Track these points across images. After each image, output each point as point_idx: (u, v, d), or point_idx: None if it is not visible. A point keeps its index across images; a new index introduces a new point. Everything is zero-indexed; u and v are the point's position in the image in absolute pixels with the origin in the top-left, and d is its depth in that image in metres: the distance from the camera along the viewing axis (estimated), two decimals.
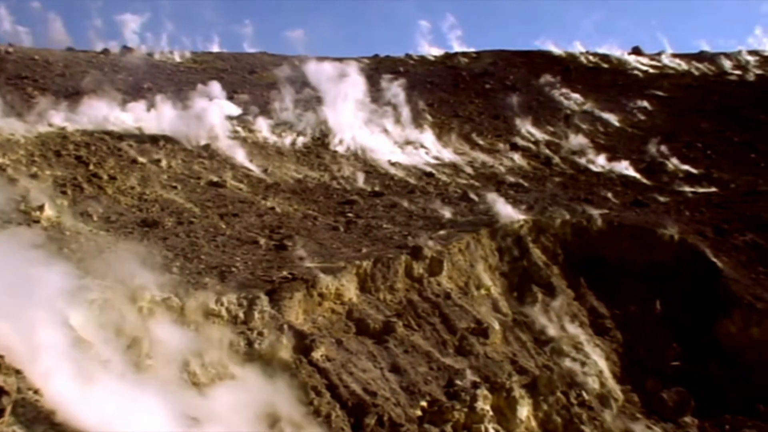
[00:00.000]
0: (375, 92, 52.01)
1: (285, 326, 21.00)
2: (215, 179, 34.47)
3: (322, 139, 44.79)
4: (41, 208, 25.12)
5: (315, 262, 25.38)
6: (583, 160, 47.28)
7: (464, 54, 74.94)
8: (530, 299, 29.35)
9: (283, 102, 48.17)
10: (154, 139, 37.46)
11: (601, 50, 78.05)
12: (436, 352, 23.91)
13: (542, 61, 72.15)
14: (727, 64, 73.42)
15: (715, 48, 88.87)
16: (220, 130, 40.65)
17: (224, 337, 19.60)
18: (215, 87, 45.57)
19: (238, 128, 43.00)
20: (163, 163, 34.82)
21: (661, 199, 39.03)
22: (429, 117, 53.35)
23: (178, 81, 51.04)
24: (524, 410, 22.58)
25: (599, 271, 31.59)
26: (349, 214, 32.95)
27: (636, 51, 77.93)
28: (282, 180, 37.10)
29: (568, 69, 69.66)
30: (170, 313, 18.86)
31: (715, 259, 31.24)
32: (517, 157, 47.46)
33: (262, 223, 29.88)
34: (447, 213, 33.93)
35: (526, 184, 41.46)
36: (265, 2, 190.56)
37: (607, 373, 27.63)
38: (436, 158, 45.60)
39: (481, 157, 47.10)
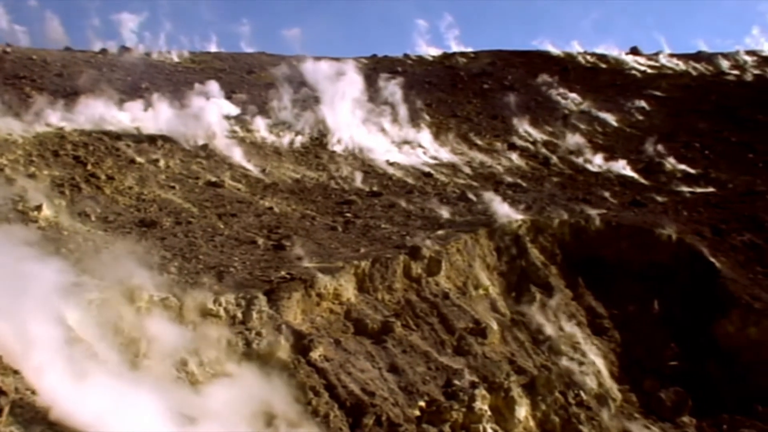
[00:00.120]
0: (373, 92, 52.02)
1: (283, 326, 20.99)
2: (213, 179, 34.45)
3: (320, 139, 44.80)
4: (39, 208, 25.11)
5: (313, 262, 25.37)
6: (581, 160, 47.30)
7: (462, 54, 75.01)
8: (528, 299, 29.36)
9: (281, 102, 48.17)
10: (152, 139, 37.46)
11: (599, 50, 78.25)
12: (435, 352, 23.91)
13: (540, 61, 72.20)
14: (725, 64, 73.44)
15: (712, 47, 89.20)
16: (218, 130, 40.66)
17: (222, 337, 19.58)
18: (213, 86, 45.55)
19: (236, 128, 43.00)
20: (161, 163, 34.81)
21: (659, 199, 39.06)
22: (427, 117, 53.38)
23: (176, 81, 51.03)
24: (522, 410, 22.57)
25: (597, 271, 31.61)
26: (348, 214, 32.94)
27: (634, 51, 78.00)
28: (280, 180, 37.08)
29: (566, 69, 69.70)
30: (168, 312, 18.84)
31: (713, 259, 31.26)
32: (515, 157, 47.48)
33: (261, 223, 29.87)
34: (445, 213, 33.93)
35: (524, 184, 41.47)
36: (263, 2, 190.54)
37: (605, 373, 27.65)
38: (435, 158, 45.61)
39: (480, 157, 47.11)
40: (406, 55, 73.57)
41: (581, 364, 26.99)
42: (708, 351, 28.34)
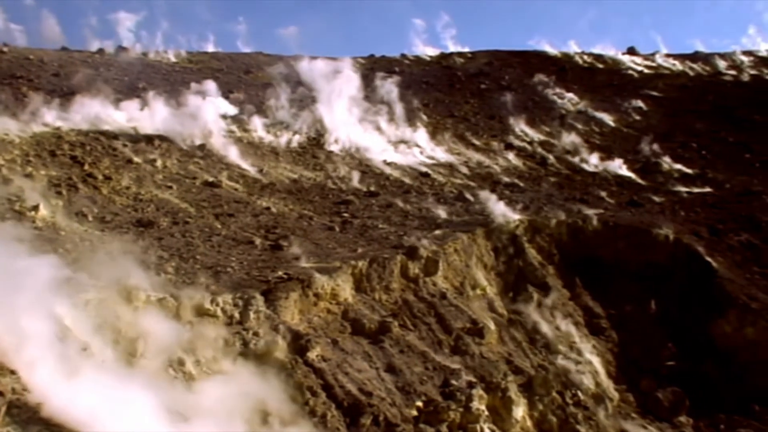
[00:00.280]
0: (370, 91, 52.07)
1: (280, 326, 20.97)
2: (210, 179, 34.45)
3: (317, 139, 44.82)
4: (36, 208, 25.09)
5: (310, 262, 25.37)
6: (578, 160, 47.36)
7: (460, 54, 75.05)
8: (526, 299, 29.35)
9: (278, 101, 48.18)
10: (149, 139, 37.45)
11: (596, 50, 78.21)
12: (432, 352, 23.90)
13: (538, 61, 72.26)
14: (722, 64, 73.54)
15: (709, 47, 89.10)
16: (215, 129, 40.63)
17: (219, 337, 19.57)
18: (210, 86, 45.51)
19: (234, 128, 42.99)
20: (158, 162, 34.80)
21: (656, 199, 39.09)
22: (424, 117, 53.40)
23: (173, 81, 50.99)
24: (520, 410, 22.56)
25: (594, 271, 31.62)
26: (345, 214, 32.94)
27: (631, 51, 78.06)
28: (277, 180, 37.08)
29: (563, 69, 69.74)
30: (165, 312, 18.82)
31: (710, 259, 31.28)
32: (512, 157, 47.53)
33: (258, 223, 29.86)
34: (442, 213, 33.93)
35: (521, 184, 41.51)
36: (260, 1, 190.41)
37: (602, 373, 27.65)
38: (432, 158, 45.62)
39: (477, 157, 47.14)
40: (403, 55, 73.62)
41: (578, 363, 26.97)
42: (705, 351, 28.35)
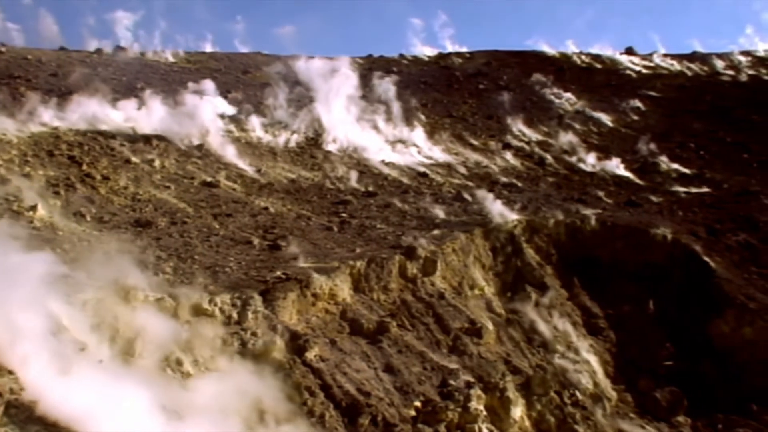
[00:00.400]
0: (368, 91, 52.07)
1: (279, 326, 20.96)
2: (208, 179, 34.44)
3: (315, 139, 44.81)
4: (34, 208, 25.07)
5: (309, 262, 25.36)
6: (576, 160, 47.37)
7: (458, 54, 75.09)
8: (524, 299, 29.35)
9: (276, 101, 48.15)
10: (147, 139, 37.42)
11: (594, 50, 78.37)
12: (430, 352, 23.91)
13: (536, 61, 72.29)
14: (720, 64, 73.62)
15: (706, 46, 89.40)
16: (213, 129, 40.60)
17: (217, 337, 19.56)
18: (208, 86, 45.47)
19: (232, 128, 42.97)
20: (156, 162, 34.78)
21: (654, 199, 39.14)
22: (422, 117, 53.40)
23: (171, 81, 50.94)
24: (518, 410, 22.55)
25: (593, 271, 31.65)
26: (343, 214, 32.94)
27: (629, 51, 78.10)
28: (275, 180, 37.07)
29: (561, 69, 69.79)
30: (163, 313, 18.80)
31: (707, 259, 31.32)
32: (510, 157, 47.53)
33: (256, 224, 29.86)
34: (441, 213, 33.94)
35: (519, 184, 41.53)
36: (258, 1, 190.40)
37: (600, 373, 27.67)
38: (430, 158, 45.64)
39: (475, 157, 47.15)
40: (401, 55, 73.66)
41: (576, 363, 27.01)
42: (703, 351, 28.38)
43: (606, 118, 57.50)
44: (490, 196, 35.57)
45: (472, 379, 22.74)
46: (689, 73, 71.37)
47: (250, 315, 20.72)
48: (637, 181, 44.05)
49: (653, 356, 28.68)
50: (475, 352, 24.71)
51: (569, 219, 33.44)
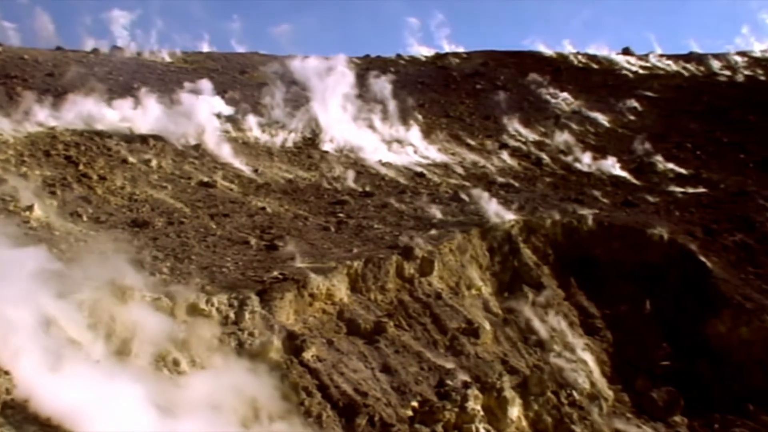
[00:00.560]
0: (365, 91, 52.04)
1: (276, 326, 20.97)
2: (205, 179, 34.41)
3: (312, 139, 44.78)
4: (30, 208, 25.02)
5: (306, 262, 25.35)
6: (573, 161, 47.39)
7: (455, 54, 75.11)
8: (521, 299, 29.38)
9: (273, 101, 48.10)
10: (144, 139, 37.36)
11: (591, 50, 78.62)
12: (427, 352, 23.92)
13: (533, 61, 72.33)
14: (716, 65, 73.73)
15: (702, 46, 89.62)
16: (210, 129, 40.55)
17: (214, 337, 19.56)
18: (206, 85, 45.38)
19: (229, 128, 42.92)
20: (153, 162, 34.73)
21: (651, 199, 39.16)
22: (420, 117, 53.38)
23: (168, 81, 50.85)
24: (515, 410, 22.58)
25: (589, 271, 31.68)
26: (340, 215, 32.93)
27: (626, 51, 78.20)
28: (272, 180, 37.04)
29: (558, 69, 69.86)
30: (160, 313, 18.79)
31: (704, 259, 31.36)
32: (507, 157, 47.53)
33: (253, 224, 29.83)
34: (438, 213, 33.93)
35: (516, 185, 41.54)
36: (254, 0, 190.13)
37: (597, 373, 27.70)
38: (427, 158, 45.61)
39: (472, 157, 47.15)
40: (398, 56, 73.66)
41: (573, 363, 27.03)
42: (700, 351, 28.41)
43: (603, 119, 57.55)
44: (487, 196, 35.54)
45: (469, 379, 22.77)
46: (686, 74, 71.50)
47: (247, 315, 20.72)
48: (634, 181, 44.09)
49: (650, 356, 28.72)
50: (472, 352, 24.73)
51: (566, 219, 33.45)
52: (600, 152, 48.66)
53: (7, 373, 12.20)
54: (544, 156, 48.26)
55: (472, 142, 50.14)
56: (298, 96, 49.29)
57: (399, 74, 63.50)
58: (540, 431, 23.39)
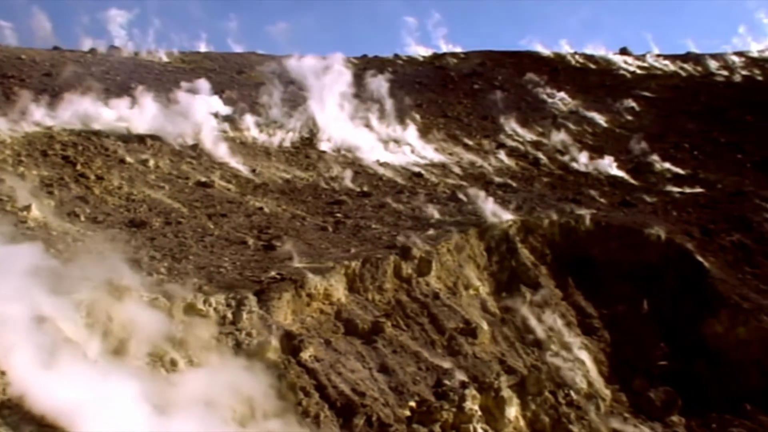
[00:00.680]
0: (363, 91, 52.05)
1: (273, 326, 20.97)
2: (203, 179, 34.38)
3: (310, 138, 44.77)
4: (28, 208, 25.00)
5: (303, 262, 25.34)
6: (571, 161, 47.42)
7: (453, 54, 75.18)
8: (518, 299, 29.39)
9: (270, 101, 48.09)
10: (142, 139, 37.33)
11: (588, 49, 78.78)
12: (425, 352, 23.93)
13: (530, 61, 72.39)
14: (714, 65, 73.85)
15: (699, 46, 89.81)
16: (208, 129, 40.52)
17: (211, 337, 19.55)
18: (203, 85, 45.36)
19: (227, 128, 42.89)
20: (151, 162, 34.70)
21: (649, 199, 39.18)
22: (417, 117, 53.39)
23: (166, 81, 50.81)
24: (512, 410, 22.60)
25: (587, 271, 31.69)
26: (338, 215, 32.92)
27: (624, 51, 78.27)
28: (270, 180, 37.03)
29: (556, 69, 69.94)
30: (157, 313, 18.77)
31: (701, 259, 31.37)
32: (505, 157, 47.55)
33: (251, 224, 29.82)
34: (435, 213, 33.93)
35: (514, 185, 41.55)
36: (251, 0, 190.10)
37: (594, 373, 27.71)
38: (425, 158, 45.63)
39: (470, 157, 47.17)
40: (396, 56, 73.69)
41: (571, 363, 27.05)
42: (697, 351, 28.42)
43: (600, 119, 57.62)
44: (485, 196, 35.56)
45: (466, 379, 22.78)
46: (683, 74, 71.59)
47: (244, 315, 20.72)
48: (632, 181, 44.14)
49: (647, 356, 28.72)
50: (469, 352, 24.73)
51: (564, 219, 33.46)
52: (597, 152, 48.70)
53: (3, 373, 12.18)
54: (541, 156, 48.29)
55: (470, 142, 50.16)
56: (296, 95, 49.29)
57: (397, 74, 63.54)
58: (537, 431, 23.42)
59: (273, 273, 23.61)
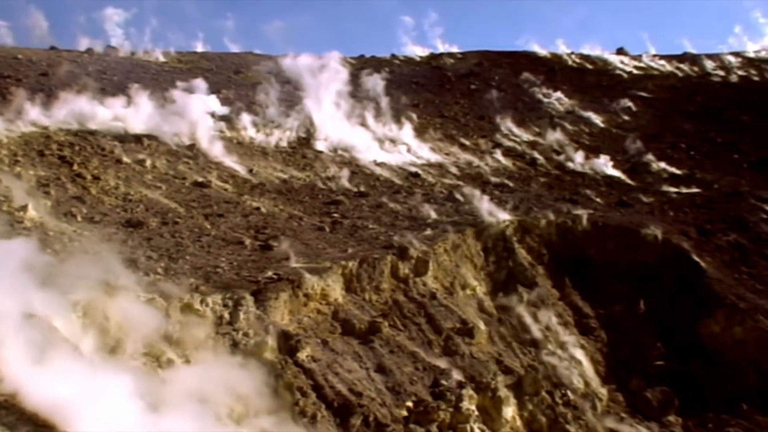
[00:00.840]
0: (360, 92, 52.05)
1: (270, 327, 20.94)
2: (200, 179, 34.34)
3: (307, 138, 44.75)
4: (24, 208, 24.95)
5: (300, 262, 25.33)
6: (567, 161, 47.46)
7: (450, 54, 75.25)
8: (515, 299, 29.40)
9: (267, 100, 48.05)
10: (138, 139, 37.29)
11: (584, 49, 78.87)
12: (422, 352, 23.92)
13: (527, 61, 72.44)
14: (710, 65, 73.99)
15: (695, 46, 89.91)
16: (205, 128, 40.47)
17: (208, 337, 19.53)
18: (200, 85, 45.30)
19: (224, 128, 42.85)
20: (148, 162, 34.65)
21: (645, 199, 39.22)
22: (414, 117, 53.36)
23: (163, 80, 50.74)
24: (509, 410, 22.59)
25: (584, 271, 31.70)
26: (335, 215, 32.91)
27: (620, 51, 78.36)
28: (267, 180, 37.00)
29: (552, 69, 70.01)
30: (154, 313, 18.74)
31: (698, 259, 31.40)
32: (502, 157, 47.57)
33: (248, 224, 29.80)
34: (432, 213, 33.93)
35: (511, 185, 41.58)
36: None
37: (591, 373, 27.73)
38: (422, 158, 45.63)
39: (466, 157, 47.19)
40: (393, 56, 73.74)
41: (568, 363, 27.07)
42: (694, 350, 28.45)
43: (597, 119, 57.68)
44: (482, 195, 35.57)
45: (463, 379, 22.78)
46: (680, 74, 71.73)
47: (241, 315, 20.71)
48: (628, 181, 44.18)
49: (644, 356, 28.75)
50: (466, 352, 24.74)
51: (561, 219, 33.48)
52: (594, 152, 48.74)
53: None
54: (538, 156, 48.33)
55: (467, 142, 50.17)
56: (292, 95, 49.26)
57: (394, 74, 63.52)
58: (534, 431, 23.41)
59: (270, 273, 23.60)
